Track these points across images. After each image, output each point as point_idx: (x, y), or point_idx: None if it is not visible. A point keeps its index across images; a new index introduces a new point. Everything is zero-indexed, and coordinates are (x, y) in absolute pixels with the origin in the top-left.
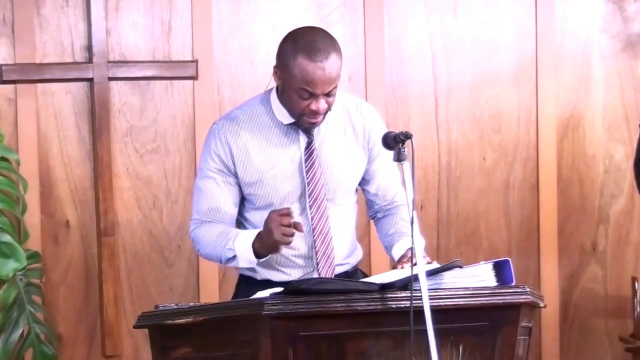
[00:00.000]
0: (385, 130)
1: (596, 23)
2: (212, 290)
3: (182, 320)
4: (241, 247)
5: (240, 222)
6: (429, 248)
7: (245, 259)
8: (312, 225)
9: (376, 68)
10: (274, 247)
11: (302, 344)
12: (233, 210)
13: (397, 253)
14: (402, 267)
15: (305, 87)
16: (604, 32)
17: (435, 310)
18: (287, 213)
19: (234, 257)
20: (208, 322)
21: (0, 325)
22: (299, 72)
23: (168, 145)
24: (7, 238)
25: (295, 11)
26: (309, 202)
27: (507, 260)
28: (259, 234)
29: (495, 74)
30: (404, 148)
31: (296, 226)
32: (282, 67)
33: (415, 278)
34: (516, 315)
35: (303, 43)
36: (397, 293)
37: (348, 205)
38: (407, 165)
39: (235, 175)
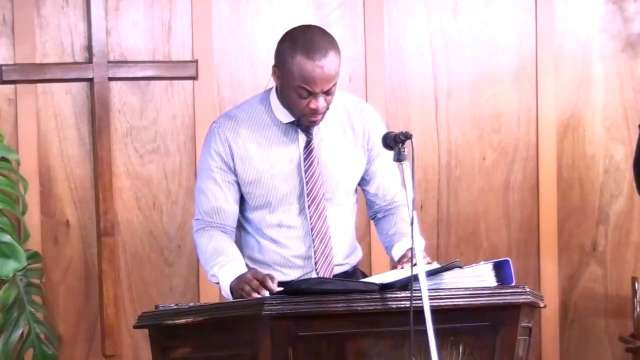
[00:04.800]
0: (385, 131)
1: (596, 23)
2: (212, 290)
3: (182, 320)
4: (223, 279)
5: (240, 222)
6: (429, 248)
7: (225, 291)
8: (311, 225)
9: (376, 68)
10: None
11: (302, 344)
12: (235, 209)
13: (397, 253)
14: (402, 267)
15: (304, 86)
16: (604, 32)
17: (435, 310)
18: (262, 279)
19: (217, 283)
20: (208, 322)
21: (0, 326)
22: (298, 71)
23: (168, 146)
24: (7, 238)
25: (295, 11)
26: (308, 201)
27: (507, 261)
28: (239, 277)
29: (495, 74)
30: (404, 148)
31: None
32: (281, 66)
33: (415, 278)
34: (516, 316)
35: (301, 41)
36: (397, 293)
37: (347, 206)
38: (407, 165)
39: (235, 173)
